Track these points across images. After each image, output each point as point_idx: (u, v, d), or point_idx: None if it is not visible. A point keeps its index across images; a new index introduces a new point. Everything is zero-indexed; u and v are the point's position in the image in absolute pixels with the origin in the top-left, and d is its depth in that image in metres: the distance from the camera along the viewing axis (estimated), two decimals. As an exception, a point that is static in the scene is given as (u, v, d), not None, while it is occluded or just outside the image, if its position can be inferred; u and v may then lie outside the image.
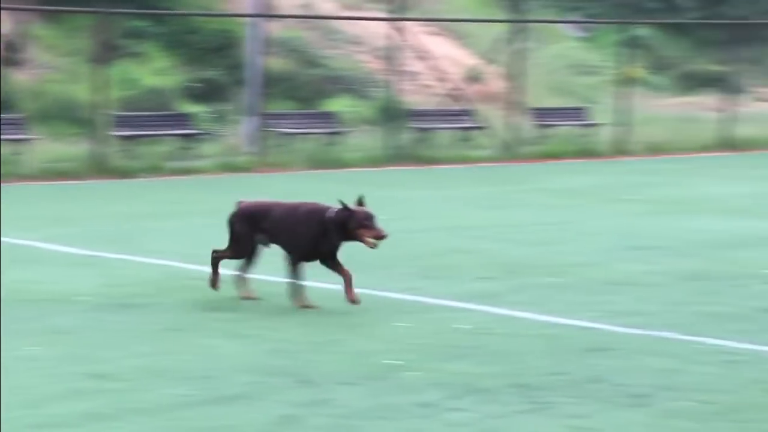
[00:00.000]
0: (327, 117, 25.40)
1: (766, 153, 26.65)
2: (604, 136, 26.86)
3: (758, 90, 34.68)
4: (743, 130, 28.01)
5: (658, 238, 12.64)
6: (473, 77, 27.89)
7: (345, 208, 8.57)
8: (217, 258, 9.07)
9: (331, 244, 8.65)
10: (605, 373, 6.80)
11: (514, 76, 26.19)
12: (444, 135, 25.88)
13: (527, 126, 26.58)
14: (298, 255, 8.69)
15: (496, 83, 29.84)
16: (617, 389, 6.46)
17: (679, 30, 36.27)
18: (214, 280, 9.05)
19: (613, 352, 7.37)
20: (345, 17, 30.04)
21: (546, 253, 11.64)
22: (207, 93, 26.58)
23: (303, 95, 27.68)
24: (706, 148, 27.01)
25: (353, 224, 8.50)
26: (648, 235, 12.86)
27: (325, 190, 18.48)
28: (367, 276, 10.18)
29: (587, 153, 25.77)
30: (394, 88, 24.86)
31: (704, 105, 31.04)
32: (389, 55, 24.75)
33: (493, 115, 26.72)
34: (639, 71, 31.18)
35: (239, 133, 24.01)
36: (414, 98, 28.01)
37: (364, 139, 25.04)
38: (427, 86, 28.76)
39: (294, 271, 8.71)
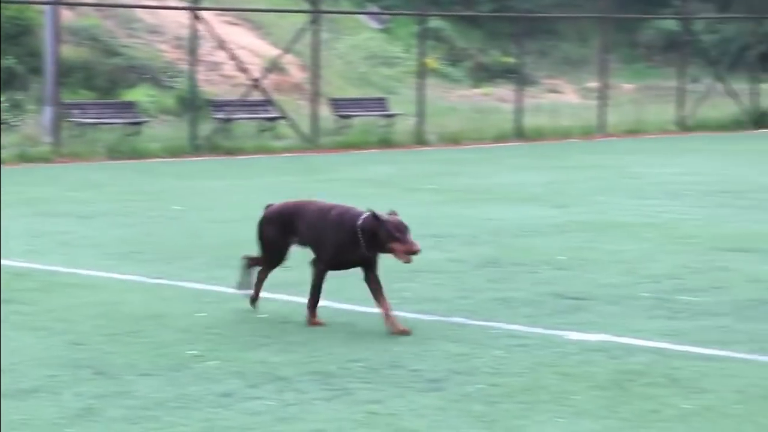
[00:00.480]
0: (127, 107, 25.02)
1: (556, 143, 27.45)
2: (403, 126, 27.23)
3: (548, 81, 35.70)
4: (535, 121, 28.79)
5: (454, 226, 12.88)
6: (274, 68, 27.86)
7: (374, 216, 7.72)
8: (249, 264, 8.32)
9: (362, 253, 7.76)
10: (401, 359, 6.92)
11: (314, 66, 26.27)
12: (246, 125, 25.81)
13: (328, 116, 26.73)
14: (324, 262, 7.90)
15: (296, 74, 29.91)
16: (413, 374, 6.58)
17: (472, 22, 37.03)
18: (255, 292, 8.27)
19: (409, 338, 7.49)
20: (143, 6, 29.60)
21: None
22: (2, 82, 25.82)
23: (101, 85, 27.20)
24: (500, 138, 27.64)
25: (383, 235, 7.66)
26: (444, 224, 13.09)
27: (125, 181, 18.23)
28: (166, 266, 10.10)
29: (387, 143, 26.05)
30: (195, 79, 24.62)
31: (497, 96, 31.80)
32: (189, 45, 24.50)
33: (295, 105, 26.79)
34: (434, 62, 31.72)
35: (37, 123, 23.43)
36: (215, 89, 27.84)
37: (165, 130, 24.76)
38: (229, 77, 28.63)
39: (318, 279, 7.88)
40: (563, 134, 28.77)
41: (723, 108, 32.97)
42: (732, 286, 9.26)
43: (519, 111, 28.82)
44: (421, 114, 27.13)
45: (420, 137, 26.75)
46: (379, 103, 28.53)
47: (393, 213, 7.84)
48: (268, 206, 8.31)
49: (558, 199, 15.51)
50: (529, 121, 28.70)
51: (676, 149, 25.75)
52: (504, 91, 31.65)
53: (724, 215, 13.86)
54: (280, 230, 8.07)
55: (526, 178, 18.88)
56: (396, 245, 7.60)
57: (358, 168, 20.87)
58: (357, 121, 27.30)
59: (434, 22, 33.38)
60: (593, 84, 32.52)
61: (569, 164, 21.66)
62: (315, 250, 7.96)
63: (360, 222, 7.69)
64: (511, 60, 31.50)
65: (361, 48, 34.46)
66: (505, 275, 9.82)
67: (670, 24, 36.46)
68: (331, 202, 8.18)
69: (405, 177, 19.13)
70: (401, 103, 28.45)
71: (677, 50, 34.09)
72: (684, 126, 31.74)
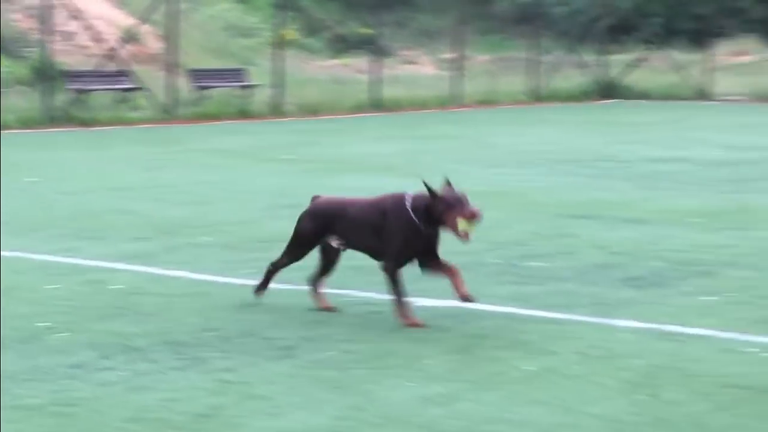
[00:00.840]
0: (-21, 77, 24.37)
1: (413, 113, 27.66)
2: (261, 97, 27.13)
3: (404, 53, 35.86)
4: (391, 91, 28.94)
5: (308, 196, 12.82)
6: (130, 38, 27.43)
7: (429, 190, 6.96)
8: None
9: (424, 235, 7.03)
10: (255, 328, 6.93)
11: (171, 37, 25.95)
12: (102, 96, 25.39)
13: (186, 87, 26.46)
14: (393, 261, 7.11)
15: (153, 44, 29.49)
16: (265, 342, 6.60)
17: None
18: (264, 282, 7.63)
19: (263, 307, 7.51)
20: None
21: (202, 212, 11.68)
22: None
23: (-48, 55, 26.42)
24: (357, 108, 27.74)
25: (440, 208, 6.90)
26: (302, 194, 12.96)
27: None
28: (18, 238, 9.92)
29: (245, 114, 25.93)
30: (49, 49, 24.10)
31: (355, 67, 31.85)
32: (42, 14, 23.97)
33: (152, 76, 26.43)
34: (292, 33, 31.62)
35: None
36: (70, 59, 27.30)
37: (18, 101, 24.22)
38: (84, 47, 28.08)
39: (395, 280, 7.10)
40: (420, 105, 29.00)
41: (573, 79, 33.62)
42: (577, 251, 9.48)
43: (376, 82, 28.94)
44: (279, 85, 27.04)
45: (278, 108, 26.68)
46: (236, 74, 28.33)
47: (448, 184, 7.05)
48: (314, 198, 7.61)
49: (414, 169, 15.62)
50: (387, 92, 28.84)
51: (528, 119, 26.19)
52: (362, 62, 31.69)
53: (572, 183, 14.17)
54: (317, 227, 7.40)
55: (382, 148, 19.00)
56: (454, 214, 6.86)
57: (215, 138, 20.74)
58: (215, 92, 27.09)
59: (292, -7, 33.25)
60: (449, 55, 32.80)
61: (425, 134, 21.86)
62: (376, 252, 7.24)
63: (410, 203, 7.00)
64: (368, 31, 31.57)
65: (219, 19, 34.13)
66: (360, 244, 9.87)
67: (523, -4, 36.97)
68: (369, 197, 7.41)
69: (262, 147, 19.09)
70: (260, 74, 28.30)
71: (529, 22, 34.58)
72: (536, 96, 32.29)
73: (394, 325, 7.06)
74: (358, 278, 8.41)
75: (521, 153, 18.03)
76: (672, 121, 25.36)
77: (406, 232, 7.02)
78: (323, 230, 7.39)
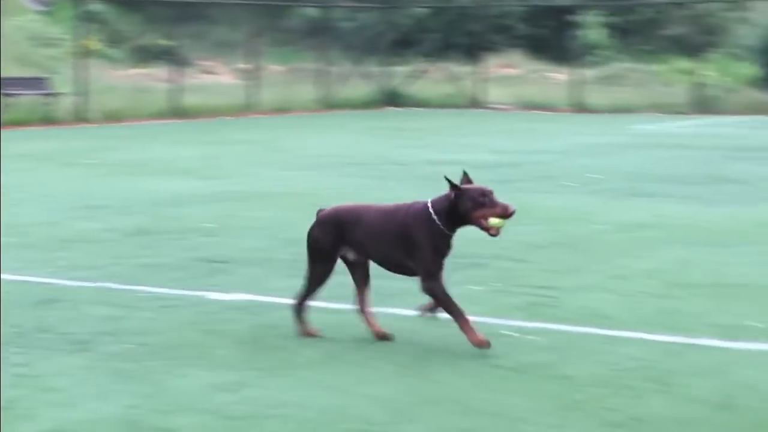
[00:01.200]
0: None
1: (210, 120, 27.43)
2: (65, 104, 26.45)
3: (203, 63, 35.54)
4: (190, 99, 28.63)
5: (110, 198, 12.65)
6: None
7: (453, 186, 6.13)
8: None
9: (449, 240, 6.23)
10: (52, 324, 6.74)
11: (-24, 46, 25.03)
12: None
13: (-10, 95, 25.56)
14: (432, 272, 6.20)
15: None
16: (62, 337, 6.43)
17: (131, 6, 36.33)
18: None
19: (61, 303, 7.31)
20: None
21: (4, 214, 11.29)
22: None
23: None
24: (157, 115, 27.33)
25: (467, 205, 6.07)
26: (101, 196, 12.84)
27: None
28: None
29: (50, 120, 25.24)
30: None
31: (156, 76, 31.37)
32: None
33: (-44, 83, 25.44)
34: (95, 44, 30.93)
35: None
36: None
37: None
38: None
39: (444, 294, 6.21)
40: (217, 112, 28.79)
41: (360, 88, 33.95)
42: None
43: (176, 90, 28.59)
44: (83, 93, 26.43)
45: (82, 114, 26.08)
46: (40, 83, 27.52)
47: (466, 177, 6.27)
48: (319, 211, 6.68)
49: (209, 172, 15.51)
50: (187, 100, 28.52)
51: (319, 125, 26.30)
52: (162, 71, 31.24)
53: (358, 184, 14.29)
54: (331, 237, 6.47)
55: (180, 152, 18.76)
56: (484, 211, 6.07)
57: (20, 144, 20.11)
58: (20, 100, 26.24)
59: (95, 6, 32.50)
60: (245, 66, 32.65)
61: (222, 140, 21.70)
62: (406, 264, 6.31)
63: (431, 207, 6.19)
64: (168, 43, 31.13)
65: (22, 29, 33.09)
66: (156, 242, 9.74)
67: (313, 11, 37.11)
68: (385, 205, 6.59)
69: (65, 152, 18.61)
70: (64, 83, 27.57)
71: (319, 36, 34.76)
72: (326, 104, 32.47)
73: (186, 318, 6.97)
74: (153, 275, 8.30)
75: (312, 157, 18.08)
76: (448, 127, 25.87)
77: (436, 241, 6.18)
78: (338, 240, 6.46)
